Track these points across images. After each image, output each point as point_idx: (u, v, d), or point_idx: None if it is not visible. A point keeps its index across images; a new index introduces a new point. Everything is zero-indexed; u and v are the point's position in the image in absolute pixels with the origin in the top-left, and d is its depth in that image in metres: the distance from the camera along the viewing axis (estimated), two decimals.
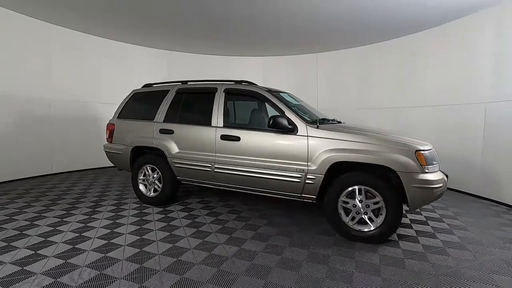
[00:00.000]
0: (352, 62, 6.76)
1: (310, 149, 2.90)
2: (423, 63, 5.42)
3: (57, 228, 3.00)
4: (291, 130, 2.98)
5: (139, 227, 3.08)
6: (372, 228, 2.73)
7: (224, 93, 3.51)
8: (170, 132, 3.63)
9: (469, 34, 4.60)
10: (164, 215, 3.46)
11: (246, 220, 3.33)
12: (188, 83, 3.92)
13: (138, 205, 3.84)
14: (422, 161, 2.59)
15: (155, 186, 3.83)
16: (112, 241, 2.72)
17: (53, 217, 3.33)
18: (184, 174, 3.61)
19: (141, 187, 3.91)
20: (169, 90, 3.88)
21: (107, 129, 4.20)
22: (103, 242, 2.69)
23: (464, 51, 4.69)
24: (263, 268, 2.26)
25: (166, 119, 3.73)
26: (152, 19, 5.18)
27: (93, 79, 6.28)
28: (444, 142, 4.89)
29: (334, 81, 7.05)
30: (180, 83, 3.96)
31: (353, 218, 2.81)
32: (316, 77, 7.02)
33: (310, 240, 2.82)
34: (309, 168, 2.89)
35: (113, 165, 4.47)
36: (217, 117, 3.43)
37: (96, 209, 3.64)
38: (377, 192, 2.68)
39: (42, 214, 3.40)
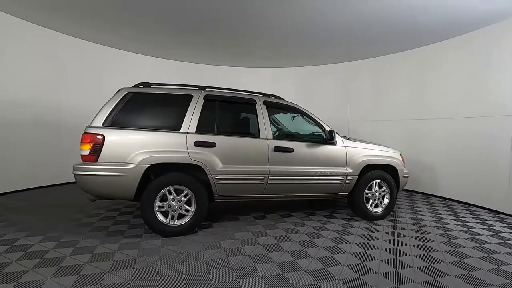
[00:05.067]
0: (365, 73, 6.68)
1: (348, 156, 3.71)
2: (438, 75, 5.32)
3: None
4: (334, 141, 3.65)
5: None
6: (382, 210, 3.94)
7: (264, 106, 3.54)
8: (211, 145, 3.15)
9: (489, 44, 4.51)
10: (223, 239, 3.00)
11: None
12: (207, 89, 3.50)
13: (157, 238, 2.97)
14: (403, 160, 4.12)
15: (181, 211, 3.12)
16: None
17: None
18: (229, 191, 3.27)
19: (160, 216, 3.04)
20: (191, 96, 3.29)
21: (86, 142, 2.85)
22: None
23: (485, 62, 4.57)
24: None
25: (200, 130, 3.18)
26: (165, 32, 5.33)
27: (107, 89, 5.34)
28: (462, 154, 4.91)
29: (346, 92, 7.04)
30: (196, 88, 3.45)
31: (371, 204, 3.90)
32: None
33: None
34: (348, 171, 3.69)
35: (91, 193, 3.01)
36: (265, 129, 3.43)
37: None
38: (386, 183, 3.92)
39: None
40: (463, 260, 2.71)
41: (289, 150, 3.46)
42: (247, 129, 3.45)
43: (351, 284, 2.23)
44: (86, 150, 2.85)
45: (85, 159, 2.87)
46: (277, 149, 3.41)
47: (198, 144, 3.12)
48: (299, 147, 3.53)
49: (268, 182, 3.37)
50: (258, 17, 4.59)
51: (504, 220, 4.05)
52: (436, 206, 4.74)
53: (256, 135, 3.40)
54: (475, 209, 4.64)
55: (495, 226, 3.77)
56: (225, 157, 3.21)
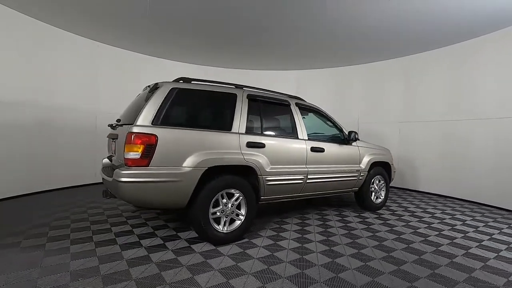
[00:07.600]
0: (395, 73, 6.37)
1: (360, 155, 4.14)
2: (476, 73, 5.03)
3: None
4: (352, 142, 4.03)
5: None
6: (381, 200, 4.52)
7: (297, 107, 3.63)
8: (261, 145, 3.08)
9: None
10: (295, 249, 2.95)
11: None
12: (244, 88, 3.38)
13: (208, 248, 2.74)
14: (392, 157, 4.82)
15: (232, 217, 2.95)
16: None
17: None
18: (275, 192, 3.24)
19: (214, 223, 2.80)
20: (236, 94, 3.13)
21: (136, 143, 2.43)
22: None
23: None
24: None
25: (249, 130, 3.06)
26: (195, 39, 5.61)
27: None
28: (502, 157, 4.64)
29: (375, 93, 6.74)
30: (233, 86, 3.30)
31: (373, 197, 4.43)
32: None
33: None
34: (361, 168, 4.12)
35: (135, 204, 2.52)
36: (301, 130, 3.53)
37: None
38: (383, 178, 4.52)
39: None
40: (467, 235, 3.42)
41: (322, 150, 3.66)
42: (287, 129, 3.49)
43: (420, 262, 2.57)
44: (136, 152, 2.43)
45: (134, 163, 2.44)
46: (313, 149, 3.56)
47: (250, 145, 3.01)
48: (328, 147, 3.76)
49: (307, 181, 3.49)
50: (289, 26, 4.93)
51: None
52: (413, 198, 5.68)
53: (295, 136, 3.47)
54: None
55: None
56: (273, 158, 3.18)
